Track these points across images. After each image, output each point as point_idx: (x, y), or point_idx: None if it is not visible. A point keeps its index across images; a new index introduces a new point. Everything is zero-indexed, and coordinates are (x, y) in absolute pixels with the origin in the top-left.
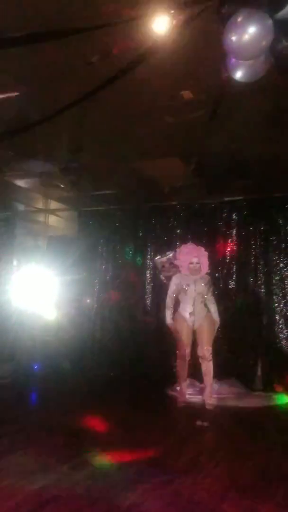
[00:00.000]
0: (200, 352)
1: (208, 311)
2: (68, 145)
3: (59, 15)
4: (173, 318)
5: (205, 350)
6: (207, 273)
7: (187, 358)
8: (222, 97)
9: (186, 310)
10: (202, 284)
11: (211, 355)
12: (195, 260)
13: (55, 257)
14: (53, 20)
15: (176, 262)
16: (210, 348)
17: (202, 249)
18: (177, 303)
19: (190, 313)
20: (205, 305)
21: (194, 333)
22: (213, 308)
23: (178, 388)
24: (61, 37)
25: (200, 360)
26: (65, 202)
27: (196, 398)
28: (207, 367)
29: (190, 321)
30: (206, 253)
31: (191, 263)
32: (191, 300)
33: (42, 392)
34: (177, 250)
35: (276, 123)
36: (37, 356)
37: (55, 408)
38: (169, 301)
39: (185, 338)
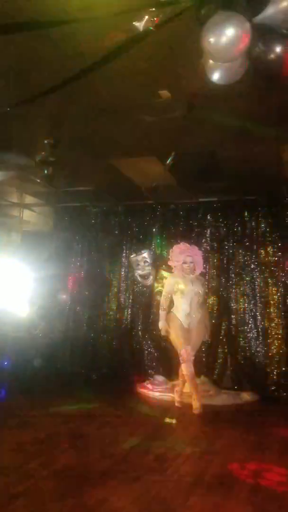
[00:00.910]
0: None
1: (203, 314)
2: (45, 139)
3: (35, 5)
4: (166, 320)
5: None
6: (201, 274)
7: (192, 358)
8: (197, 96)
9: (181, 311)
10: (200, 285)
11: (193, 359)
12: (189, 259)
13: (29, 252)
14: (29, 10)
15: (169, 263)
16: (194, 352)
17: (196, 248)
18: (170, 304)
19: (186, 314)
20: (208, 307)
21: (189, 332)
22: (204, 311)
23: (193, 393)
24: (37, 29)
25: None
26: (40, 197)
27: (165, 396)
28: (188, 368)
29: (185, 322)
30: (200, 252)
31: (185, 262)
32: (188, 300)
33: (12, 389)
34: (170, 250)
35: (251, 127)
36: (8, 352)
37: (25, 404)
38: (164, 302)
39: (182, 338)
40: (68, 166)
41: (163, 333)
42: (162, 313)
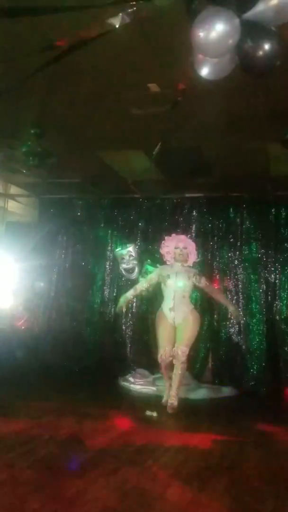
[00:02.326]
0: (174, 350)
1: (194, 308)
2: (31, 129)
3: None
4: (156, 314)
5: (179, 350)
6: (194, 266)
7: (168, 359)
8: (182, 91)
9: (166, 305)
10: (186, 277)
11: (185, 358)
12: (181, 245)
13: (13, 243)
14: None
15: (161, 251)
16: (187, 350)
17: (189, 239)
18: (161, 298)
19: (170, 308)
20: (191, 301)
21: (175, 330)
22: (224, 300)
23: (167, 392)
24: (25, 15)
25: (173, 360)
26: (25, 187)
27: (146, 389)
28: (178, 368)
29: (170, 317)
30: (193, 243)
31: (177, 247)
32: (171, 294)
33: None
34: (163, 241)
35: (239, 124)
36: None
37: (5, 396)
38: (138, 285)
39: (165, 336)
40: (54, 156)
41: (117, 309)
42: (130, 291)
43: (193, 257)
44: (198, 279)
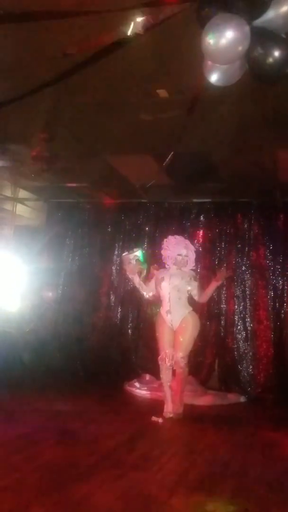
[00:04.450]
0: (172, 356)
1: (190, 312)
2: (40, 133)
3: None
4: (156, 319)
5: (177, 357)
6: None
7: (168, 362)
8: (197, 98)
9: (163, 308)
10: (180, 278)
11: (184, 363)
12: (184, 252)
13: (21, 247)
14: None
15: (162, 252)
16: (185, 355)
17: (190, 243)
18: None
19: (167, 311)
20: (189, 304)
21: (173, 333)
22: (208, 292)
23: (165, 397)
24: (38, 20)
25: (174, 366)
26: (34, 191)
27: (152, 394)
28: (177, 374)
29: (168, 320)
30: (193, 248)
31: (180, 254)
32: (166, 296)
33: (0, 384)
34: (165, 240)
35: (247, 130)
36: None
37: (12, 400)
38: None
39: (165, 339)
40: (62, 160)
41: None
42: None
43: (191, 264)
44: (190, 282)
